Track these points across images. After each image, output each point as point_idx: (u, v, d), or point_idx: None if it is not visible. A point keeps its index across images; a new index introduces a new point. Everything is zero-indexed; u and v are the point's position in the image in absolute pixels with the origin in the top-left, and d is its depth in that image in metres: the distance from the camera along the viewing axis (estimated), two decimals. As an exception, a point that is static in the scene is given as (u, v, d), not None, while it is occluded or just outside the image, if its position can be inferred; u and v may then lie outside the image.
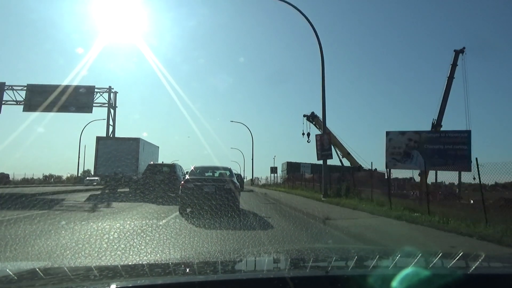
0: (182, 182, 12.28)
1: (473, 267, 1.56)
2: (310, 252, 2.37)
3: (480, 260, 1.77)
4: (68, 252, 5.81)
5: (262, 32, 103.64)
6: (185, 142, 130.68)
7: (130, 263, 1.98)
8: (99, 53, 58.63)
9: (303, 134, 41.74)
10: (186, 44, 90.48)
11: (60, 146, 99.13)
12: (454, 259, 1.84)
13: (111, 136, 28.63)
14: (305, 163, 43.75)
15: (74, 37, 73.04)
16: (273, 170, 44.87)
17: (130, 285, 1.26)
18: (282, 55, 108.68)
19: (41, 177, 54.18)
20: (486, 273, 1.51)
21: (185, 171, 21.80)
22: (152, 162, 22.84)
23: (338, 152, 40.69)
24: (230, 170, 13.81)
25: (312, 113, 41.88)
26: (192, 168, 13.30)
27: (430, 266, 1.67)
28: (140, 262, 1.98)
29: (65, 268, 1.74)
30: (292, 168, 48.89)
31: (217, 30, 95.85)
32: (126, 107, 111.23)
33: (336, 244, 6.46)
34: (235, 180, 12.47)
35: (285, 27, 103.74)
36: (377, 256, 2.06)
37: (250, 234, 7.89)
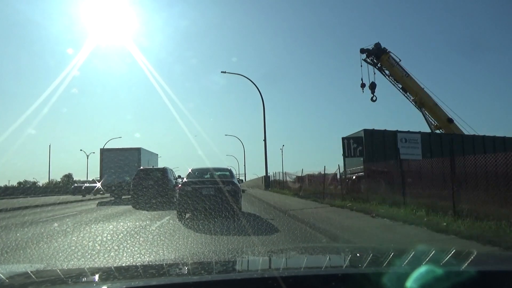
0: (179, 185, 11.78)
1: (476, 264, 1.57)
2: (304, 252, 2.38)
3: (485, 257, 1.78)
4: (61, 254, 5.77)
5: (255, 31, 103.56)
6: (179, 142, 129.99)
7: (123, 265, 1.97)
8: (89, 54, 58.32)
9: (363, 85, 24.08)
10: (178, 44, 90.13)
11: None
12: (448, 255, 1.85)
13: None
14: (407, 131, 20.00)
15: (64, 38, 72.38)
16: (354, 148, 16.71)
17: (124, 287, 1.25)
18: (277, 54, 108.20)
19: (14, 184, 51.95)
20: (497, 270, 1.52)
21: (176, 175, 21.26)
22: (142, 167, 22.00)
23: (431, 120, 23.89)
24: (230, 171, 13.38)
25: (377, 45, 23.51)
26: (190, 170, 12.76)
27: (423, 264, 1.68)
28: (133, 264, 1.97)
29: (58, 271, 1.73)
30: (376, 141, 19.18)
31: (210, 30, 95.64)
32: (118, 108, 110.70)
33: (330, 244, 6.48)
34: (236, 181, 11.97)
35: (279, 25, 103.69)
36: (371, 255, 2.06)
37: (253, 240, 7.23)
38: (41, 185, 55.14)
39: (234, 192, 10.90)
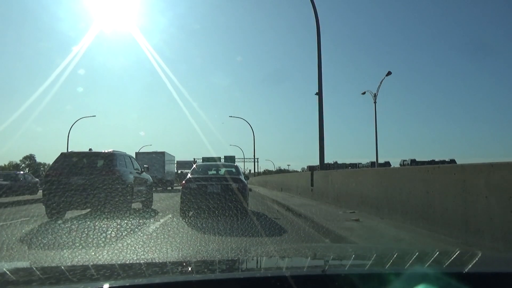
0: (183, 182, 11.22)
1: (470, 266, 1.56)
2: (308, 251, 2.38)
3: (477, 259, 1.77)
4: (65, 251, 5.80)
5: (260, 31, 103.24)
6: (182, 137, 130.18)
7: (127, 262, 1.97)
8: (93, 50, 58.68)
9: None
10: (184, 43, 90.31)
11: None
12: (453, 256, 1.84)
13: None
14: None
15: (70, 34, 72.91)
16: None
17: (128, 284, 1.25)
18: (281, 53, 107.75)
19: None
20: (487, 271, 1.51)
21: (137, 165, 13.42)
22: (68, 151, 13.16)
23: None
24: (236, 167, 12.98)
25: None
26: (194, 166, 12.44)
27: (428, 265, 1.67)
28: (137, 261, 1.98)
29: (62, 267, 1.73)
30: None
31: (215, 29, 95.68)
32: (123, 105, 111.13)
33: (334, 243, 6.47)
34: (243, 179, 11.43)
35: (284, 24, 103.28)
36: (374, 255, 2.06)
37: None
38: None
39: (241, 190, 10.53)
